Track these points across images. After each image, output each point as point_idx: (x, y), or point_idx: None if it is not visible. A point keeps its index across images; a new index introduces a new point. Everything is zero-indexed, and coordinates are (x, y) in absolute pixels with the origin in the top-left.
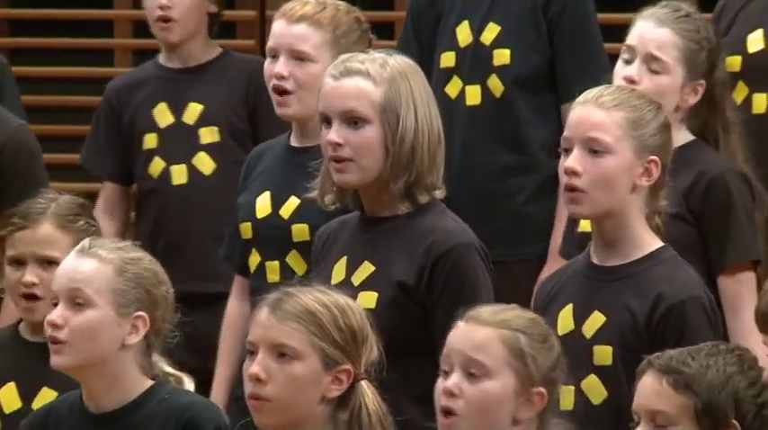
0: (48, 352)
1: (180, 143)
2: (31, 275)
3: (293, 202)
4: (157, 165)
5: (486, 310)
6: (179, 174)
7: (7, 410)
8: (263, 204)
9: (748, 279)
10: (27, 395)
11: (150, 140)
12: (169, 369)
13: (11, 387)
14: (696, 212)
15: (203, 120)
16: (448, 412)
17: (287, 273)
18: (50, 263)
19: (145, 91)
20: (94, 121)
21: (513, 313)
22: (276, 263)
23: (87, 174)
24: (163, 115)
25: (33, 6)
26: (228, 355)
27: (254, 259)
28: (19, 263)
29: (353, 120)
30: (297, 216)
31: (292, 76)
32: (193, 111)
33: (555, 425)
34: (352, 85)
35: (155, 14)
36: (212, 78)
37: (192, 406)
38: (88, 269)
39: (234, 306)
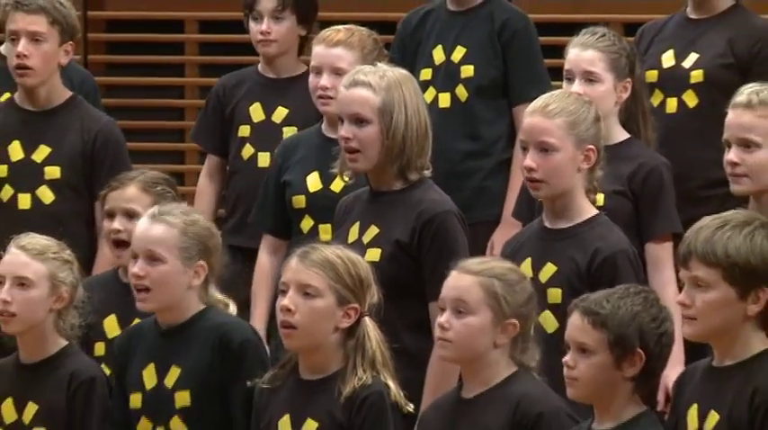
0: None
1: (268, 136)
2: (117, 224)
3: (339, 182)
4: (248, 150)
5: (470, 262)
6: (263, 160)
7: (110, 336)
8: (313, 181)
9: (669, 246)
10: (125, 324)
11: (244, 130)
12: (219, 296)
13: (112, 318)
14: (636, 192)
15: (287, 121)
16: (442, 339)
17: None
18: (132, 216)
19: (244, 90)
20: (204, 108)
21: (491, 264)
22: (328, 225)
23: (161, 160)
24: (256, 112)
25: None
26: (263, 299)
27: (307, 223)
28: (110, 215)
29: (358, 121)
30: (344, 191)
31: (334, 87)
32: (280, 113)
33: (529, 349)
34: (357, 94)
35: (257, 38)
36: (298, 89)
37: (225, 324)
38: (159, 232)
39: (264, 259)
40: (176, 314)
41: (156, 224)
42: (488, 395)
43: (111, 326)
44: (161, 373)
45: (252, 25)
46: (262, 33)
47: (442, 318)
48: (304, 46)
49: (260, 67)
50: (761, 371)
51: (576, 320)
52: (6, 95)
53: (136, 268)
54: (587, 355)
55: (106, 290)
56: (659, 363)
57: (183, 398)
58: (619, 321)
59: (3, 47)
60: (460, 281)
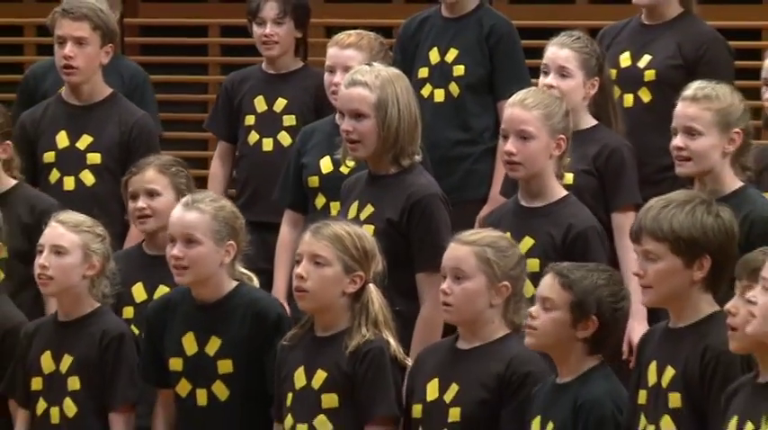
0: (161, 260)
1: (270, 123)
2: (141, 202)
3: (350, 163)
4: (253, 137)
5: (465, 234)
6: (267, 144)
7: (137, 300)
8: (326, 164)
9: (632, 215)
10: (150, 290)
11: (250, 119)
12: (244, 270)
13: (139, 285)
14: (600, 170)
15: (286, 110)
16: (445, 304)
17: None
18: (153, 194)
19: (249, 85)
20: (215, 101)
21: (482, 234)
22: (338, 202)
23: (187, 147)
24: (260, 104)
25: (154, 35)
26: (284, 266)
27: (321, 201)
28: (134, 197)
29: (357, 115)
30: (352, 173)
31: None
32: (280, 103)
33: (521, 309)
34: (355, 93)
35: (261, 40)
36: (295, 82)
37: (260, 300)
38: (194, 218)
39: (285, 231)
40: (211, 289)
41: (190, 211)
42: (483, 349)
43: (139, 292)
44: (201, 342)
45: (256, 29)
46: (266, 36)
47: (444, 285)
48: (299, 46)
49: (263, 65)
50: (710, 331)
51: (548, 279)
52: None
53: (175, 250)
54: (549, 310)
55: (133, 261)
56: (608, 334)
57: (225, 366)
58: (583, 288)
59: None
60: (457, 251)
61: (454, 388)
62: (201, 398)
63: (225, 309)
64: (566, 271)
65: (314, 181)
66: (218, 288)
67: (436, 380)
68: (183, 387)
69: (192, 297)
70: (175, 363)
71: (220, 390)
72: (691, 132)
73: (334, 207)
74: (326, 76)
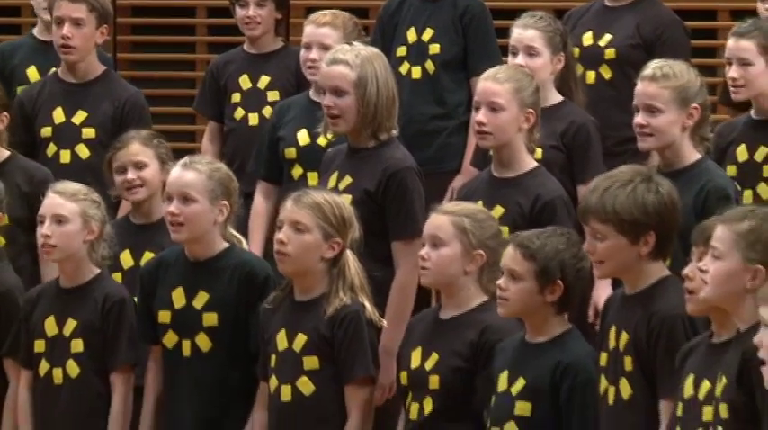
0: (147, 228)
1: (255, 100)
2: (131, 174)
3: (328, 136)
4: (239, 112)
5: (446, 205)
6: (253, 119)
7: (125, 267)
8: (303, 137)
9: None
10: (137, 257)
11: (236, 97)
12: (234, 232)
13: (126, 253)
14: (567, 145)
15: (270, 86)
16: (422, 268)
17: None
18: (140, 166)
19: (234, 66)
20: (202, 83)
21: (462, 205)
22: (316, 173)
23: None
24: (245, 82)
25: (145, 16)
26: (259, 233)
27: (298, 171)
28: (122, 170)
29: (338, 92)
30: (328, 145)
31: (321, 60)
32: (264, 80)
33: (496, 278)
34: (336, 71)
35: (244, 21)
36: (276, 61)
37: (250, 261)
38: (191, 177)
39: (259, 201)
40: (204, 247)
41: (187, 171)
42: (461, 318)
43: (126, 259)
44: (190, 296)
45: (238, 11)
46: (248, 18)
47: (422, 251)
48: (280, 26)
49: (245, 45)
50: (657, 297)
51: (510, 251)
52: (32, 69)
53: (172, 207)
54: (516, 281)
55: (121, 230)
56: (576, 293)
57: (210, 319)
58: (545, 255)
59: (35, 29)
60: (436, 220)
61: (434, 356)
62: (186, 349)
63: (215, 266)
64: (526, 241)
65: (291, 152)
66: (210, 246)
67: (420, 348)
68: (170, 339)
69: (184, 255)
70: (164, 316)
71: (204, 342)
72: (651, 110)
73: (312, 177)
74: (303, 52)
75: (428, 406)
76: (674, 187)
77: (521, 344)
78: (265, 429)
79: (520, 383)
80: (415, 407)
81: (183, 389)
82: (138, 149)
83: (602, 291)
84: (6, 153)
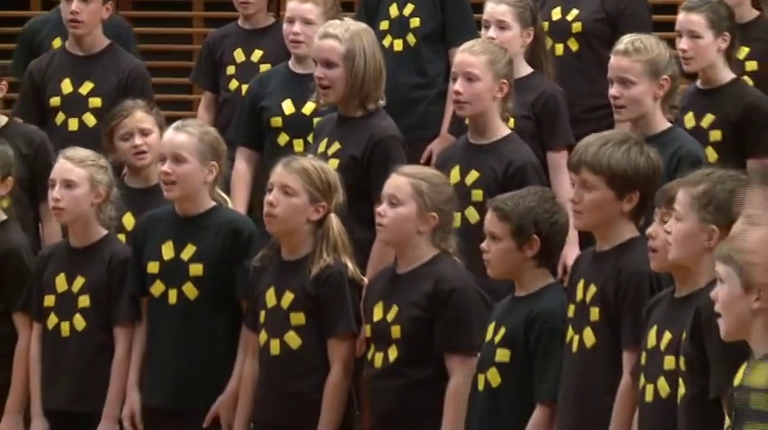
0: (144, 192)
1: (248, 72)
2: (138, 140)
3: (310, 105)
4: (234, 84)
5: (406, 167)
6: (246, 90)
7: (128, 228)
8: (288, 106)
9: (565, 154)
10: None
11: (231, 69)
12: (221, 192)
13: (128, 215)
14: (537, 115)
15: (262, 59)
16: (379, 224)
17: (307, 146)
18: (145, 133)
19: (229, 40)
20: (199, 56)
21: (421, 169)
22: (301, 140)
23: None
24: (239, 55)
25: None
26: (242, 197)
27: (284, 139)
28: (128, 136)
29: (328, 64)
30: (313, 113)
31: (303, 33)
32: (257, 54)
33: (449, 239)
34: (327, 44)
35: (239, 0)
36: (269, 36)
37: (236, 219)
38: (183, 139)
39: (241, 165)
40: (193, 205)
41: (180, 133)
42: (415, 272)
43: (129, 221)
44: (178, 249)
45: None
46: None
47: (380, 208)
48: (271, 3)
49: (239, 21)
50: (627, 254)
51: (489, 215)
52: (57, 41)
53: (165, 167)
54: (496, 242)
55: (123, 195)
56: (554, 245)
57: (196, 269)
58: (518, 214)
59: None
60: (396, 180)
61: (395, 308)
62: (172, 297)
63: (204, 222)
64: (501, 204)
65: (277, 121)
66: (199, 204)
67: (381, 302)
68: (157, 288)
69: (174, 212)
70: (152, 267)
71: (190, 291)
72: (624, 82)
73: (297, 144)
74: (285, 26)
75: (392, 354)
76: (662, 156)
77: (510, 300)
78: (256, 378)
79: (501, 333)
80: (379, 357)
81: (168, 336)
82: (142, 117)
83: (570, 251)
84: (5, 119)
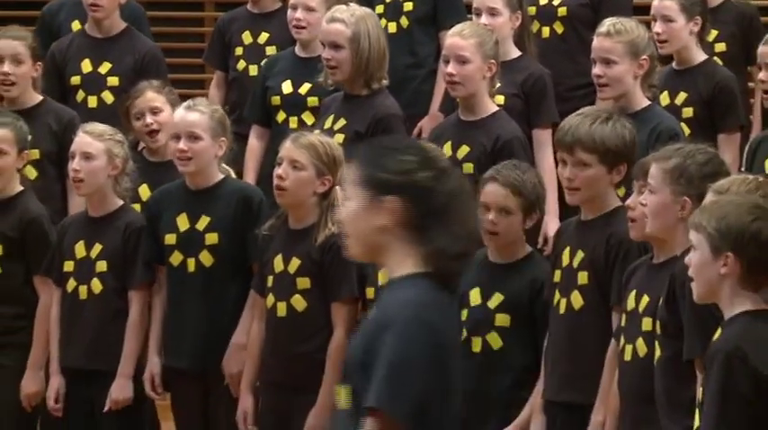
0: (159, 165)
1: (255, 53)
2: (149, 119)
3: (306, 86)
4: (241, 64)
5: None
6: (253, 71)
7: (144, 199)
8: (287, 86)
9: (549, 132)
10: (153, 190)
11: (239, 51)
12: (225, 165)
13: (144, 187)
14: (526, 93)
15: (269, 42)
16: None
17: (302, 124)
18: (156, 111)
19: (238, 23)
20: (211, 38)
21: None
22: (296, 118)
23: (188, 72)
24: (247, 38)
25: None
26: (253, 170)
27: (281, 116)
28: (140, 115)
29: (336, 46)
30: (310, 92)
31: (305, 20)
32: (264, 36)
33: None
34: (334, 28)
35: None
36: (275, 20)
37: (246, 188)
38: (195, 118)
39: (253, 142)
40: (205, 178)
41: (192, 112)
42: None
43: (144, 192)
44: (193, 220)
45: None
46: None
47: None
48: None
49: (248, 5)
50: (614, 221)
51: (499, 189)
52: (76, 23)
53: (181, 144)
54: (508, 215)
55: (139, 167)
56: (542, 218)
57: (212, 238)
58: (528, 190)
59: None
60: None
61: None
62: (191, 266)
63: (215, 193)
64: (513, 179)
65: (276, 100)
66: (210, 177)
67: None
68: (176, 258)
69: (185, 186)
70: (170, 238)
71: (206, 259)
72: (607, 62)
73: (292, 121)
74: (289, 12)
75: None
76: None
77: (488, 264)
78: (263, 340)
79: (497, 298)
80: None
81: (188, 302)
82: (153, 96)
83: (552, 222)
84: (39, 97)
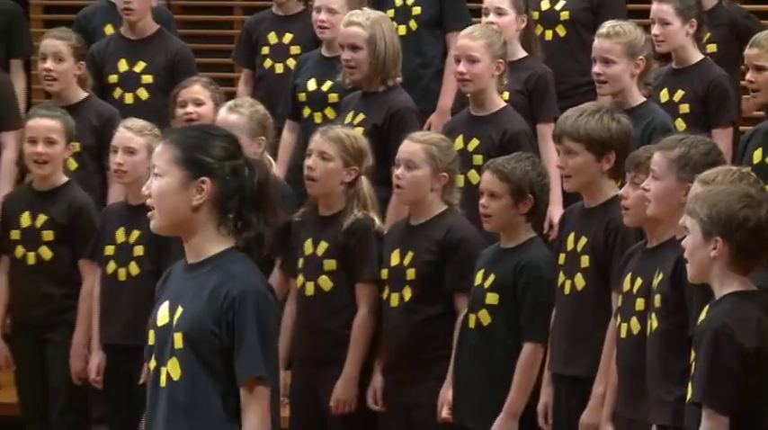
0: None
1: (280, 52)
2: (190, 108)
3: (329, 83)
4: (268, 62)
5: (417, 134)
6: (279, 68)
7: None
8: (311, 84)
9: (552, 125)
10: None
11: (265, 50)
12: (268, 156)
13: None
14: (529, 90)
15: (293, 42)
16: (397, 187)
17: (325, 119)
18: (199, 104)
19: (264, 24)
20: (239, 38)
21: (430, 135)
22: (320, 113)
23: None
24: (272, 38)
25: None
26: (285, 161)
27: (307, 111)
28: (183, 105)
29: (354, 48)
30: (331, 89)
31: (328, 21)
32: (288, 36)
33: (454, 193)
34: (352, 31)
35: None
36: (298, 21)
37: (280, 182)
38: (235, 119)
39: (286, 135)
40: None
41: (232, 113)
42: (428, 223)
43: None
44: None
45: None
46: None
47: (398, 172)
48: None
49: (274, 8)
50: (613, 209)
51: (488, 176)
52: (108, 27)
53: None
54: (496, 199)
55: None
56: (542, 204)
57: None
58: (517, 176)
59: None
60: (410, 146)
61: (410, 254)
62: None
63: None
64: (500, 166)
65: (302, 96)
66: None
67: (397, 250)
68: None
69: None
70: None
71: None
72: (606, 61)
73: (317, 116)
74: (314, 14)
75: (407, 294)
76: (633, 123)
77: (496, 250)
78: (294, 318)
79: (491, 279)
80: (395, 297)
81: None
82: (198, 89)
83: (555, 209)
84: (84, 94)
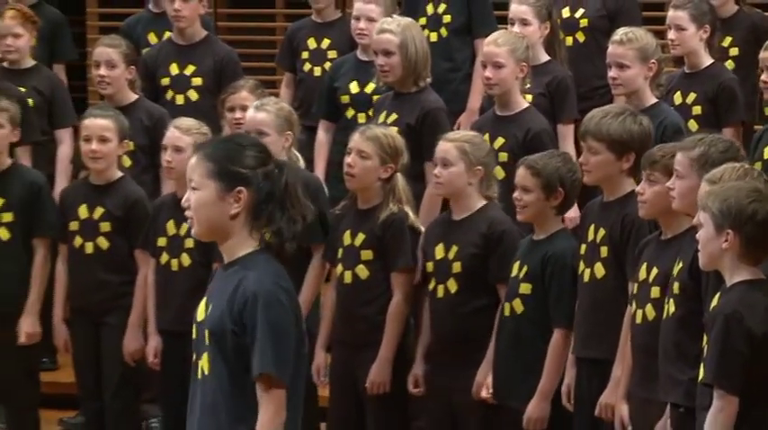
0: None
1: (319, 57)
2: (238, 114)
3: (371, 86)
4: (307, 66)
5: (450, 133)
6: (317, 72)
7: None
8: (354, 87)
9: (572, 126)
10: None
11: (305, 54)
12: (296, 151)
13: None
14: (551, 93)
15: (330, 47)
16: (437, 183)
17: (369, 119)
18: (245, 108)
19: (304, 31)
20: (282, 44)
21: (462, 133)
22: (363, 114)
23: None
24: (312, 43)
25: None
26: (322, 159)
27: (350, 112)
28: (232, 109)
29: (387, 53)
30: (375, 92)
31: (367, 29)
32: (326, 42)
33: (492, 186)
34: (385, 38)
35: None
36: (336, 28)
37: (310, 176)
38: (263, 117)
39: (321, 134)
40: None
41: (259, 112)
42: (470, 218)
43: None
44: None
45: None
46: None
47: (435, 171)
48: (338, 0)
49: (313, 16)
50: (629, 203)
51: (522, 171)
52: (151, 35)
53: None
54: (528, 193)
55: None
56: (572, 198)
57: None
58: (548, 172)
59: (150, 4)
60: (444, 146)
61: (454, 248)
62: None
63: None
64: (532, 163)
65: (345, 98)
66: None
67: (441, 244)
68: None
69: None
70: None
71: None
72: (620, 66)
73: (360, 117)
74: (353, 22)
75: (453, 286)
76: (651, 123)
77: (529, 241)
78: (334, 304)
79: (524, 270)
80: (441, 288)
81: None
82: (246, 96)
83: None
84: (135, 96)
